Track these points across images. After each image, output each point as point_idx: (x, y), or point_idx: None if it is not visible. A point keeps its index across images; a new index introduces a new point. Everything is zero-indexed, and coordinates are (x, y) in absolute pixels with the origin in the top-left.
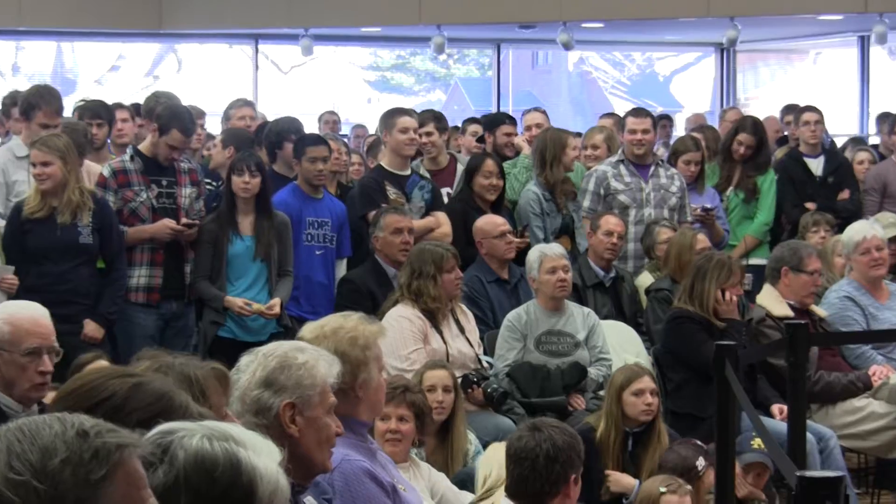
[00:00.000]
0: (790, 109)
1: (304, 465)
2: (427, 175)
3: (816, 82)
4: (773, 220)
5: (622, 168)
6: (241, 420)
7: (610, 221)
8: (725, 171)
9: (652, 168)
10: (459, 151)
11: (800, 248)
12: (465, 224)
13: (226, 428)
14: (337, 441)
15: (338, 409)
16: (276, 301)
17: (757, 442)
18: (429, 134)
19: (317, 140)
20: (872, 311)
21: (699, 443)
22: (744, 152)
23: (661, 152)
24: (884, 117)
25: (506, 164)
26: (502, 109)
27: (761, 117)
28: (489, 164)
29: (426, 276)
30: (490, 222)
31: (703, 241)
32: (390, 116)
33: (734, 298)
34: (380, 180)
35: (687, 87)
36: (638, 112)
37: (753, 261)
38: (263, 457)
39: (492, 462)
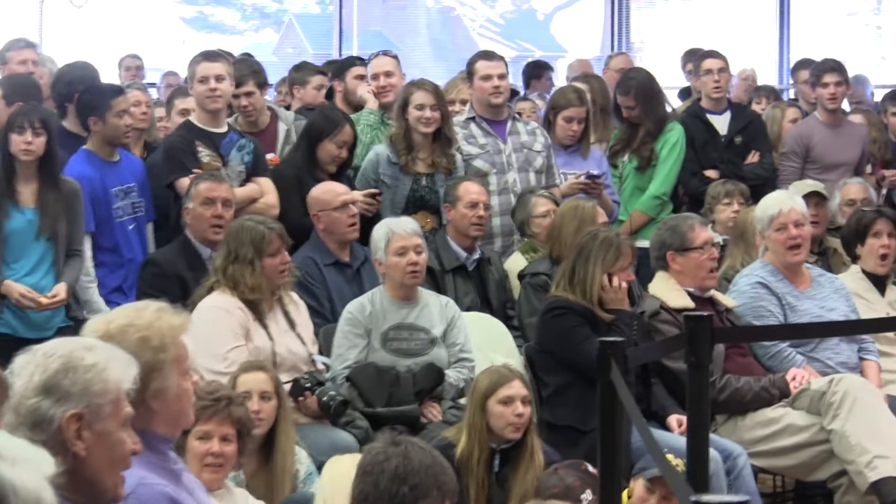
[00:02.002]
0: (691, 55)
1: (91, 489)
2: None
3: (726, 24)
4: (669, 192)
5: (473, 127)
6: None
7: (471, 190)
8: (623, 132)
9: (509, 124)
10: (288, 107)
11: (678, 223)
12: (300, 193)
13: None
14: (133, 461)
15: (132, 422)
16: (62, 286)
17: (675, 461)
18: (248, 94)
19: (120, 89)
20: (791, 300)
21: (590, 468)
22: (628, 114)
23: (537, 106)
24: (803, 65)
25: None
26: (345, 52)
27: (658, 65)
28: (347, 132)
29: (243, 260)
30: (329, 190)
31: (602, 213)
32: (193, 63)
33: (623, 285)
34: (189, 139)
35: (572, 27)
36: (489, 55)
37: (641, 243)
38: (22, 468)
39: (335, 482)
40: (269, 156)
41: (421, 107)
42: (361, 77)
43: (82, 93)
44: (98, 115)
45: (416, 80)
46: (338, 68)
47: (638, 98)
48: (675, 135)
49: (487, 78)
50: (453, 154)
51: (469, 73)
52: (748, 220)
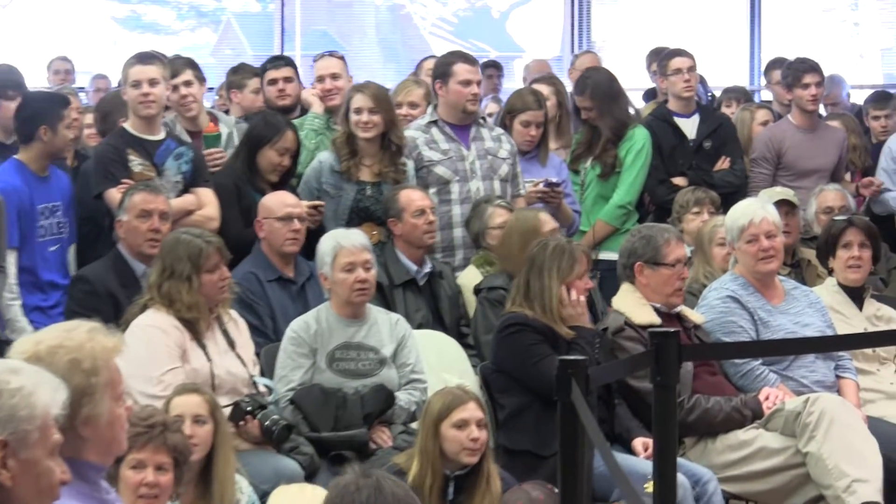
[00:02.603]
0: (656, 54)
1: None
2: (188, 139)
3: (693, 22)
4: (634, 201)
5: (436, 131)
6: None
7: (414, 198)
8: (584, 135)
9: (473, 129)
10: (227, 111)
11: (654, 235)
12: (239, 204)
13: None
14: (62, 491)
15: (61, 449)
16: None
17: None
18: (187, 83)
19: (67, 98)
20: (763, 315)
21: (555, 490)
22: (586, 115)
23: (491, 110)
24: (776, 65)
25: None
26: (288, 53)
27: (621, 65)
28: (289, 138)
29: (179, 276)
30: (279, 200)
31: (548, 221)
32: (126, 66)
33: (582, 299)
34: (121, 148)
35: (529, 25)
36: (469, 58)
37: (605, 255)
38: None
39: None
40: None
41: (358, 111)
42: (274, 82)
43: (29, 99)
44: (49, 125)
45: (359, 83)
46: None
47: (595, 98)
48: (640, 139)
49: (467, 83)
50: (402, 163)
51: (442, 75)
52: (705, 230)
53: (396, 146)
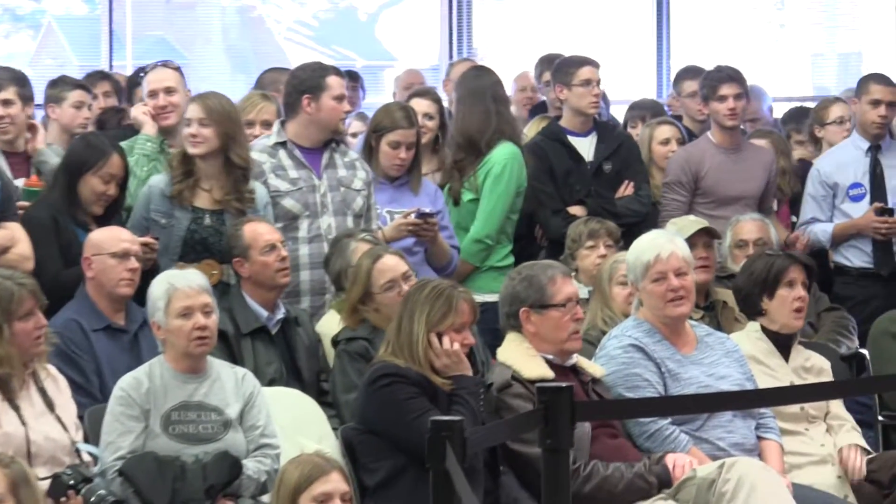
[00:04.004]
0: (548, 62)
1: None
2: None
3: (591, 25)
4: (494, 234)
5: (283, 155)
6: None
7: (261, 232)
8: (452, 157)
9: (326, 155)
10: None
11: (535, 274)
12: (58, 240)
13: None
14: None
15: None
16: None
17: None
18: (6, 103)
19: None
20: (672, 366)
21: None
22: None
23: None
24: (688, 74)
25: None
26: (118, 63)
27: (507, 75)
28: (115, 163)
29: None
30: (111, 234)
31: (400, 263)
32: None
33: (456, 345)
34: None
35: (402, 30)
36: (339, 72)
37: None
38: None
39: None
40: (22, 181)
41: (188, 122)
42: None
43: None
44: None
45: (199, 93)
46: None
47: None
48: (501, 159)
49: (341, 98)
50: (249, 190)
51: (313, 88)
52: (605, 268)
53: (241, 169)
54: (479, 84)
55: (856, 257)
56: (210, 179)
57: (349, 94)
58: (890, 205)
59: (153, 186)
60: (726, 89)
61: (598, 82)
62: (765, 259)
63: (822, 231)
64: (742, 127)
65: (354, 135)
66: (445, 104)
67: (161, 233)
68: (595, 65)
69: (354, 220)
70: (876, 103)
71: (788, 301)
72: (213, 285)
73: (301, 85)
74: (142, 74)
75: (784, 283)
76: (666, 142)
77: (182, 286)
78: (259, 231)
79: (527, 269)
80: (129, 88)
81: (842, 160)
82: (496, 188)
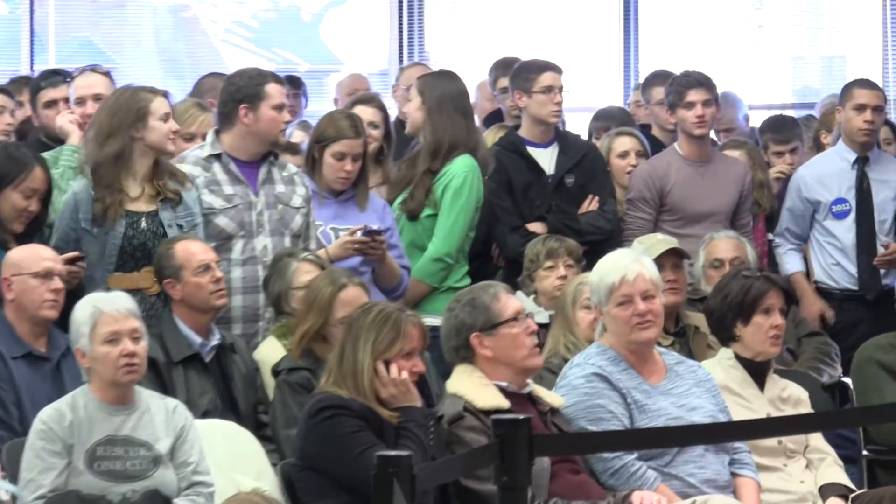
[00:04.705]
0: (504, 67)
1: None
2: None
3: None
4: (454, 252)
5: (218, 169)
6: None
7: (194, 251)
8: (405, 170)
9: (264, 169)
10: None
11: (476, 297)
12: None
13: None
14: None
15: None
16: None
17: None
18: None
19: None
20: (639, 397)
21: None
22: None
23: (298, 139)
24: (658, 80)
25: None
26: (40, 67)
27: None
28: (37, 176)
29: None
30: (32, 253)
31: (359, 290)
32: None
33: (404, 374)
34: None
35: (349, 32)
36: (279, 78)
37: (427, 320)
38: None
39: None
40: None
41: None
42: (52, 103)
43: None
44: None
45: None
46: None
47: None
48: (461, 171)
49: (281, 108)
50: (181, 172)
51: (251, 97)
52: (568, 290)
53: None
54: (453, 89)
55: (841, 278)
56: (140, 183)
57: (290, 102)
58: (876, 222)
59: (79, 193)
60: (694, 95)
61: (561, 89)
62: (741, 281)
63: (786, 262)
64: (715, 137)
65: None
66: (395, 112)
67: (93, 242)
68: (557, 70)
69: (292, 240)
70: (861, 108)
71: (764, 328)
72: (154, 295)
73: (237, 93)
74: (68, 80)
75: (761, 309)
76: (624, 155)
77: (108, 310)
78: (192, 250)
79: (466, 295)
80: (32, 94)
81: (826, 173)
82: (457, 202)
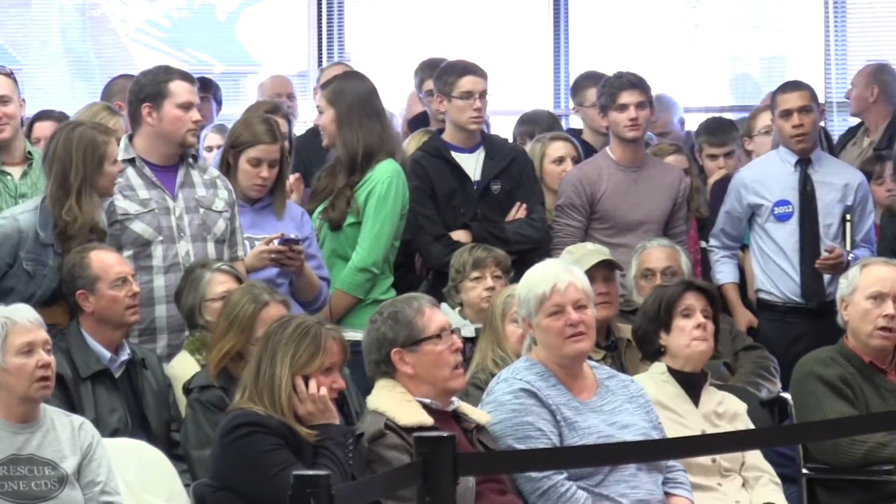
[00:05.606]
0: (429, 68)
1: None
2: None
3: (478, 28)
4: (380, 262)
5: (132, 173)
6: None
7: (109, 262)
8: (324, 180)
9: (181, 172)
10: None
11: (398, 310)
12: None
13: None
14: None
15: None
16: None
17: None
18: None
19: None
20: (568, 414)
21: None
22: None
23: (213, 143)
24: (589, 82)
25: None
26: None
27: (384, 83)
28: None
29: None
30: None
31: (279, 303)
32: None
33: (323, 391)
34: None
35: (267, 31)
36: (186, 76)
37: (350, 334)
38: None
39: None
40: None
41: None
42: None
43: None
44: None
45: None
46: None
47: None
48: (385, 177)
49: (187, 107)
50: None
51: (153, 96)
52: (497, 302)
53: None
54: (361, 91)
55: (783, 285)
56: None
57: (200, 105)
58: (821, 226)
59: (26, 230)
60: (627, 97)
61: (483, 94)
62: (657, 291)
63: (718, 272)
64: (649, 141)
65: (210, 149)
66: (316, 113)
67: (20, 280)
68: (479, 73)
69: (216, 245)
70: (787, 114)
71: (687, 331)
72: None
73: (141, 92)
74: None
75: (679, 313)
76: (560, 160)
77: (20, 320)
78: (108, 262)
79: (388, 308)
80: None
81: (766, 175)
82: (381, 210)
